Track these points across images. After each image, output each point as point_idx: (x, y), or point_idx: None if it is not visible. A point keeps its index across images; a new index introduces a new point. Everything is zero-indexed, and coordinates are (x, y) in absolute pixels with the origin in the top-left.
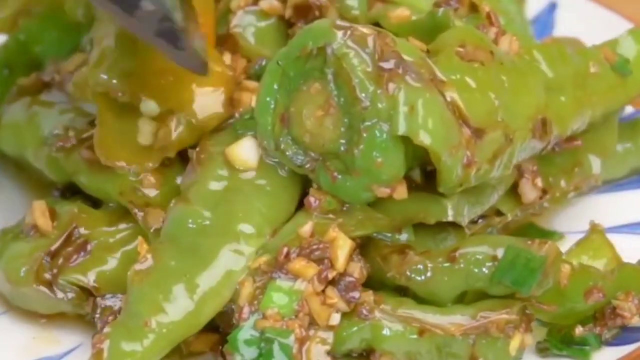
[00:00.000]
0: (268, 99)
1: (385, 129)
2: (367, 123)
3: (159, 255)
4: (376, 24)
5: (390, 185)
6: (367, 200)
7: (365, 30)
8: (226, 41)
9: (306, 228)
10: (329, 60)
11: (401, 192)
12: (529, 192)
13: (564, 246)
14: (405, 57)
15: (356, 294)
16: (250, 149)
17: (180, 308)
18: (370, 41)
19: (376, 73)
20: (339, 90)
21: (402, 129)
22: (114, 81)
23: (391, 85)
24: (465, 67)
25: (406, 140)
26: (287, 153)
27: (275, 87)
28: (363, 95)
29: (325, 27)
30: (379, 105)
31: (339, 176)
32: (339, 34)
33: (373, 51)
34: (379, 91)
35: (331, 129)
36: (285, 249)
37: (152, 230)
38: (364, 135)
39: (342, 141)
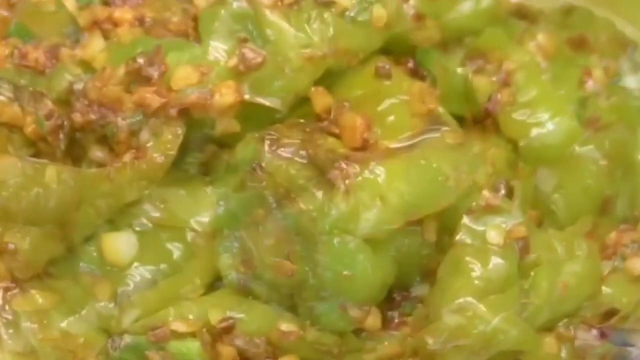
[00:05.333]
0: (224, 250)
1: (347, 238)
2: (323, 236)
3: None
4: None
5: (365, 305)
6: (346, 328)
7: (291, 134)
8: None
9: None
10: (262, 179)
11: (374, 320)
12: None
13: None
14: (341, 150)
15: None
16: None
17: None
18: (301, 146)
19: (321, 178)
20: (282, 209)
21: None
22: None
23: (347, 185)
24: None
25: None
26: (263, 297)
27: (227, 231)
28: (310, 206)
29: (249, 145)
30: (338, 211)
31: (315, 304)
32: (266, 147)
33: (307, 156)
34: (339, 197)
35: (290, 255)
36: None
37: None
38: (323, 250)
39: (306, 266)
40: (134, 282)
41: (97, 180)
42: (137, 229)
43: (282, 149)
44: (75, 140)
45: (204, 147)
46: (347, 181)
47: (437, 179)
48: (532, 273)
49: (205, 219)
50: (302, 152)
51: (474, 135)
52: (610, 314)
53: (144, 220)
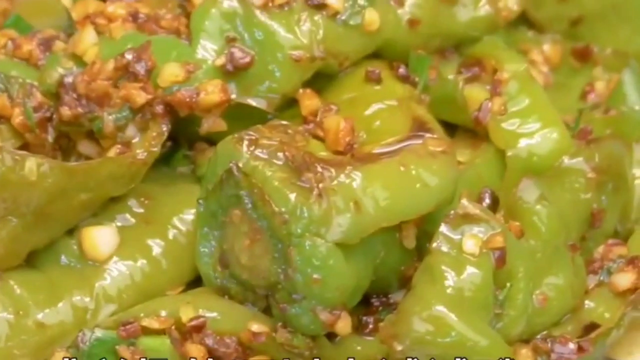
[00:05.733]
0: (202, 248)
1: (318, 241)
2: (295, 239)
3: None
4: None
5: (336, 309)
6: (316, 331)
7: (272, 135)
8: None
9: None
10: (239, 179)
11: (344, 325)
12: None
13: None
14: (320, 154)
15: None
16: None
17: None
18: (279, 148)
19: (296, 180)
20: (257, 210)
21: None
22: None
23: (321, 188)
24: None
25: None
26: (238, 297)
27: (206, 230)
28: (283, 208)
29: (228, 145)
30: (311, 214)
31: (287, 307)
32: (244, 147)
33: (284, 158)
34: (311, 199)
35: (264, 257)
36: None
37: None
38: (294, 253)
39: (280, 267)
40: (111, 277)
41: (78, 174)
42: (119, 224)
43: (260, 150)
44: (65, 134)
45: (194, 145)
46: (320, 185)
47: (415, 186)
48: (509, 284)
49: (189, 216)
50: (280, 154)
51: (464, 143)
52: (590, 328)
53: (128, 216)
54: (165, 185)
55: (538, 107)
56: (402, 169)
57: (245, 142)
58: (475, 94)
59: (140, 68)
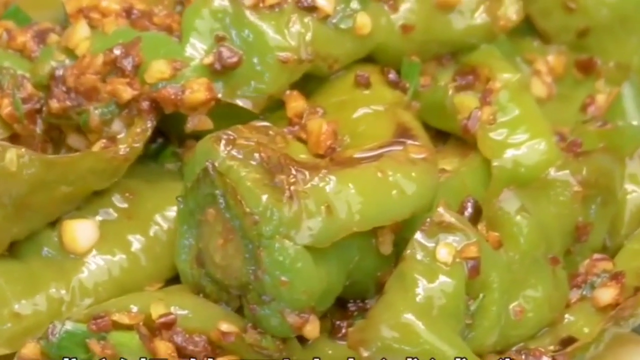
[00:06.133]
0: (181, 245)
1: (287, 243)
2: (265, 240)
3: None
4: None
5: (304, 313)
6: (285, 333)
7: (251, 135)
8: None
9: None
10: (214, 178)
11: (312, 328)
12: None
13: None
14: (297, 158)
15: None
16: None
17: None
18: (255, 149)
19: (269, 182)
20: (230, 210)
21: (317, 232)
22: None
23: (293, 191)
24: None
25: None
26: (213, 296)
27: (185, 227)
28: (254, 208)
29: (207, 143)
30: (281, 216)
31: (257, 308)
32: (221, 147)
33: (260, 159)
34: (283, 201)
35: (237, 257)
36: None
37: None
38: (264, 254)
39: (250, 268)
40: (89, 271)
41: (58, 167)
42: (101, 218)
43: (236, 150)
44: (56, 126)
45: (183, 142)
46: (292, 187)
47: (390, 192)
48: (482, 295)
49: (172, 214)
50: (256, 155)
51: (454, 151)
52: (567, 342)
53: (111, 210)
54: (151, 181)
55: (528, 117)
56: (379, 174)
57: (223, 142)
58: (467, 102)
59: (127, 64)
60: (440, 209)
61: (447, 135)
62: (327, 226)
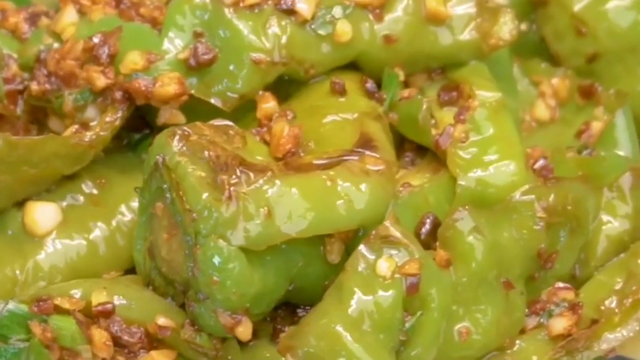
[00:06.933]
0: (138, 237)
1: (221, 243)
2: (201, 238)
3: None
4: None
5: (237, 314)
6: (219, 332)
7: (208, 133)
8: None
9: None
10: (163, 173)
11: (244, 330)
12: None
13: None
14: (250, 159)
15: None
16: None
17: None
18: (205, 146)
19: (212, 180)
20: (175, 206)
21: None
22: None
23: (232, 191)
24: None
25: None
26: (160, 290)
27: (143, 219)
28: (194, 206)
29: (162, 137)
30: (218, 216)
31: (194, 305)
32: (174, 142)
33: (208, 157)
34: (220, 202)
35: (179, 252)
36: None
37: None
38: (199, 252)
39: (190, 265)
40: (46, 253)
41: (20, 148)
42: (67, 202)
43: (187, 146)
44: (41, 109)
45: None
46: (232, 188)
47: (336, 201)
48: (419, 313)
49: (136, 204)
50: (205, 152)
51: (428, 167)
52: None
53: (79, 196)
54: (125, 171)
55: (501, 138)
56: (328, 183)
57: (177, 137)
58: (446, 118)
59: (102, 52)
60: (387, 223)
61: (427, 150)
62: (264, 230)
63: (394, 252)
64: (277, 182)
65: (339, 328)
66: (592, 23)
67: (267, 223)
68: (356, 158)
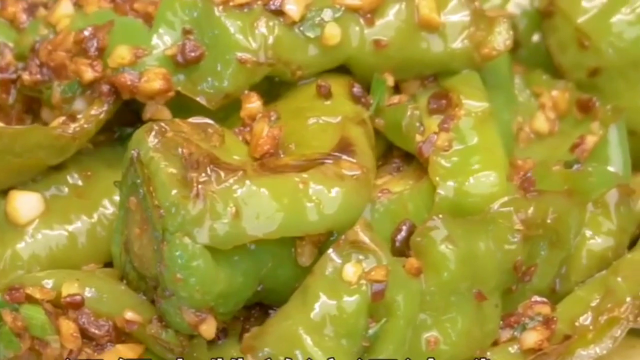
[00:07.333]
0: (116, 231)
1: (186, 241)
2: (168, 235)
3: None
4: None
5: (201, 312)
6: (185, 329)
7: (185, 130)
8: None
9: None
10: (138, 167)
11: (207, 328)
12: None
13: None
14: (225, 158)
15: None
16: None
17: None
18: (179, 143)
19: (183, 178)
20: (146, 201)
21: (220, 233)
22: None
23: (200, 189)
24: None
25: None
26: (134, 284)
27: (123, 213)
28: (163, 202)
29: (140, 132)
30: (185, 213)
31: (162, 301)
32: (150, 137)
33: (181, 154)
34: (188, 200)
35: (149, 248)
36: None
37: None
38: (165, 249)
39: (158, 261)
40: (26, 243)
41: (3, 137)
42: (52, 193)
43: (163, 142)
44: (36, 99)
45: None
46: (200, 186)
47: (306, 204)
48: (384, 319)
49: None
50: (179, 149)
51: (413, 174)
52: None
53: (63, 187)
54: (112, 165)
55: (484, 148)
56: (300, 185)
57: (153, 133)
58: (433, 126)
59: (91, 45)
60: (356, 228)
61: (415, 157)
62: (230, 229)
63: (362, 257)
64: (247, 182)
65: (301, 331)
66: (595, 37)
67: (234, 223)
68: (332, 162)
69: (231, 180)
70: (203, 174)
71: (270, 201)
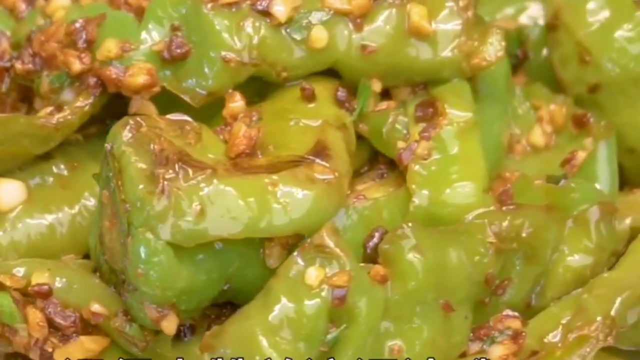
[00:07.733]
0: (94, 223)
1: (149, 236)
2: (133, 229)
3: None
4: None
5: (162, 307)
6: (148, 324)
7: (161, 126)
8: None
9: None
10: (110, 161)
11: (168, 324)
12: None
13: None
14: (198, 156)
15: None
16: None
17: None
18: (152, 139)
19: (152, 173)
20: (115, 195)
21: (185, 230)
22: None
23: (166, 186)
24: None
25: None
26: (106, 277)
27: (99, 205)
28: (130, 197)
29: (117, 126)
30: (149, 209)
31: (127, 295)
32: (125, 132)
33: (153, 149)
34: (153, 195)
35: (117, 241)
36: None
37: None
38: (129, 243)
39: (124, 255)
40: (4, 230)
41: None
42: (36, 181)
43: (136, 137)
44: (30, 88)
45: None
46: (166, 182)
47: (272, 206)
48: (344, 325)
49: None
50: (151, 145)
51: (394, 181)
52: None
53: (48, 176)
54: (98, 157)
55: (464, 159)
56: (269, 187)
57: (128, 127)
58: (417, 134)
59: (80, 37)
60: (322, 232)
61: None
62: (194, 227)
63: (325, 262)
64: (215, 181)
65: (258, 332)
66: (596, 52)
67: (197, 221)
68: (304, 165)
69: (199, 178)
70: (170, 171)
71: (237, 201)
